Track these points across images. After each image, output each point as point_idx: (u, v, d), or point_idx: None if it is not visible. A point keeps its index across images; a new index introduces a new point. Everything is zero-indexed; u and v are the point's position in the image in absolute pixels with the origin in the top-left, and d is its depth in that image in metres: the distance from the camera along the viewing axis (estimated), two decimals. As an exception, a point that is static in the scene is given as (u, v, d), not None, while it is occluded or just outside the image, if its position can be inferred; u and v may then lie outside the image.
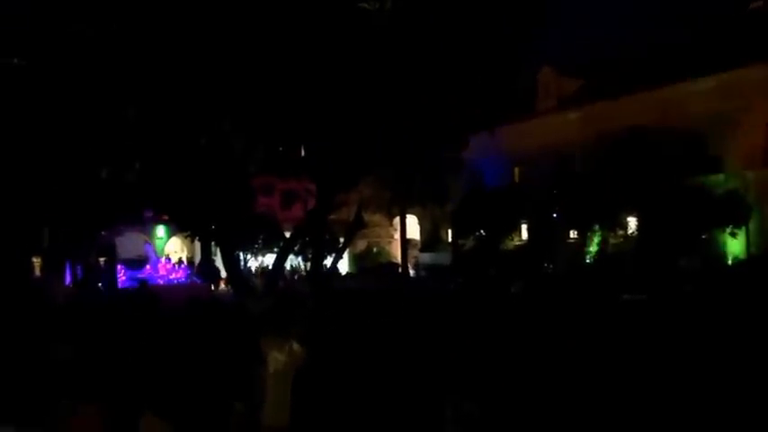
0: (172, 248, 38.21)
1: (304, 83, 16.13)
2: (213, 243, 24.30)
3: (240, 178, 19.88)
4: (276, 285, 21.19)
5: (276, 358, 6.38)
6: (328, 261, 26.74)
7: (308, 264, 31.60)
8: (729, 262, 26.72)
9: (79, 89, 16.90)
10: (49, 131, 17.74)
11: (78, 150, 18.04)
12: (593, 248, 29.79)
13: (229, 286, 24.39)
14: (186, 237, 28.76)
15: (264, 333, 6.73)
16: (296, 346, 6.58)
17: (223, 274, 26.73)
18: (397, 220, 39.51)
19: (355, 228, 26.47)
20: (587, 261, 29.73)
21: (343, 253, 28.21)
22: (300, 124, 18.06)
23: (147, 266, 33.32)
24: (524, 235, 35.60)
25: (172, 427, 2.23)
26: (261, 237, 33.24)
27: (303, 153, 22.53)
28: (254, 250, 34.58)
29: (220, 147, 18.07)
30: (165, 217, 30.32)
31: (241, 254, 29.63)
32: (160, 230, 37.32)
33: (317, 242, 25.31)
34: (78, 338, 8.79)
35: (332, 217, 26.03)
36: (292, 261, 33.70)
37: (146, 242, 36.00)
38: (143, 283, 20.53)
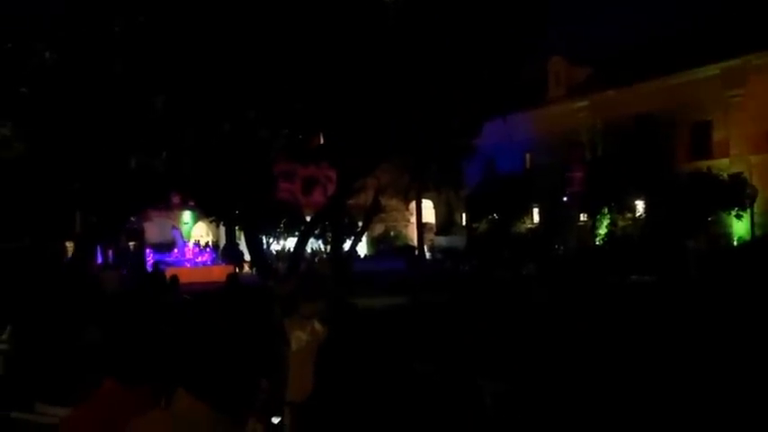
0: (198, 233, 39.14)
1: (322, 74, 17.11)
2: (237, 227, 25.36)
3: (263, 165, 20.85)
4: (298, 267, 22.22)
5: (299, 337, 6.48)
6: (347, 244, 27.81)
7: (329, 247, 32.31)
8: (735, 243, 27.42)
9: (109, 81, 17.92)
10: (81, 123, 18.72)
11: (109, 140, 19.00)
12: (602, 231, 30.45)
13: (253, 268, 25.29)
14: (211, 221, 29.81)
15: (287, 313, 6.84)
16: (318, 325, 6.57)
17: (247, 256, 27.74)
18: (413, 204, 40.29)
19: (373, 212, 27.46)
20: (597, 243, 30.38)
21: (361, 236, 29.11)
22: (319, 113, 19.04)
23: (175, 250, 34.36)
24: (536, 218, 36.53)
25: (204, 402, 2.57)
26: (283, 221, 33.87)
27: (323, 141, 23.49)
28: (277, 234, 35.40)
29: (245, 135, 19.05)
30: (192, 203, 31.17)
31: (264, 237, 30.38)
32: (186, 216, 38.36)
33: (336, 226, 26.37)
34: (107, 319, 8.69)
35: (350, 202, 27.09)
36: (313, 244, 34.43)
37: (173, 227, 37.03)
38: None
